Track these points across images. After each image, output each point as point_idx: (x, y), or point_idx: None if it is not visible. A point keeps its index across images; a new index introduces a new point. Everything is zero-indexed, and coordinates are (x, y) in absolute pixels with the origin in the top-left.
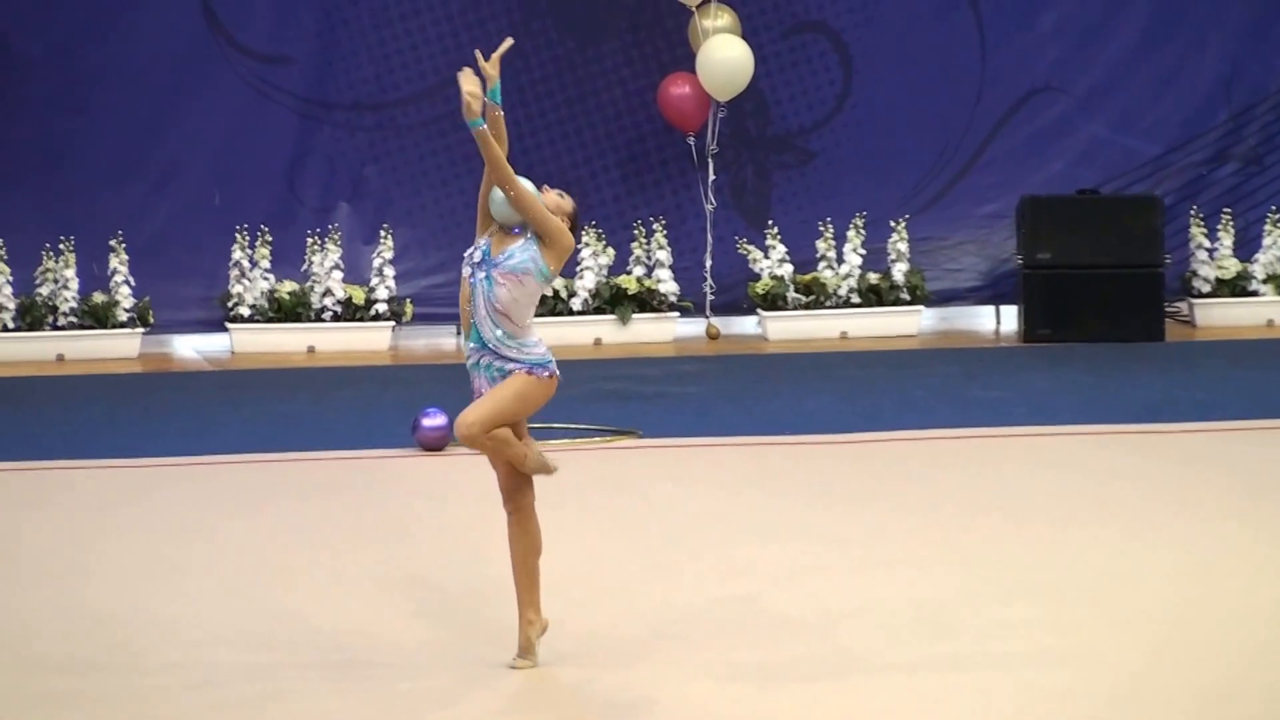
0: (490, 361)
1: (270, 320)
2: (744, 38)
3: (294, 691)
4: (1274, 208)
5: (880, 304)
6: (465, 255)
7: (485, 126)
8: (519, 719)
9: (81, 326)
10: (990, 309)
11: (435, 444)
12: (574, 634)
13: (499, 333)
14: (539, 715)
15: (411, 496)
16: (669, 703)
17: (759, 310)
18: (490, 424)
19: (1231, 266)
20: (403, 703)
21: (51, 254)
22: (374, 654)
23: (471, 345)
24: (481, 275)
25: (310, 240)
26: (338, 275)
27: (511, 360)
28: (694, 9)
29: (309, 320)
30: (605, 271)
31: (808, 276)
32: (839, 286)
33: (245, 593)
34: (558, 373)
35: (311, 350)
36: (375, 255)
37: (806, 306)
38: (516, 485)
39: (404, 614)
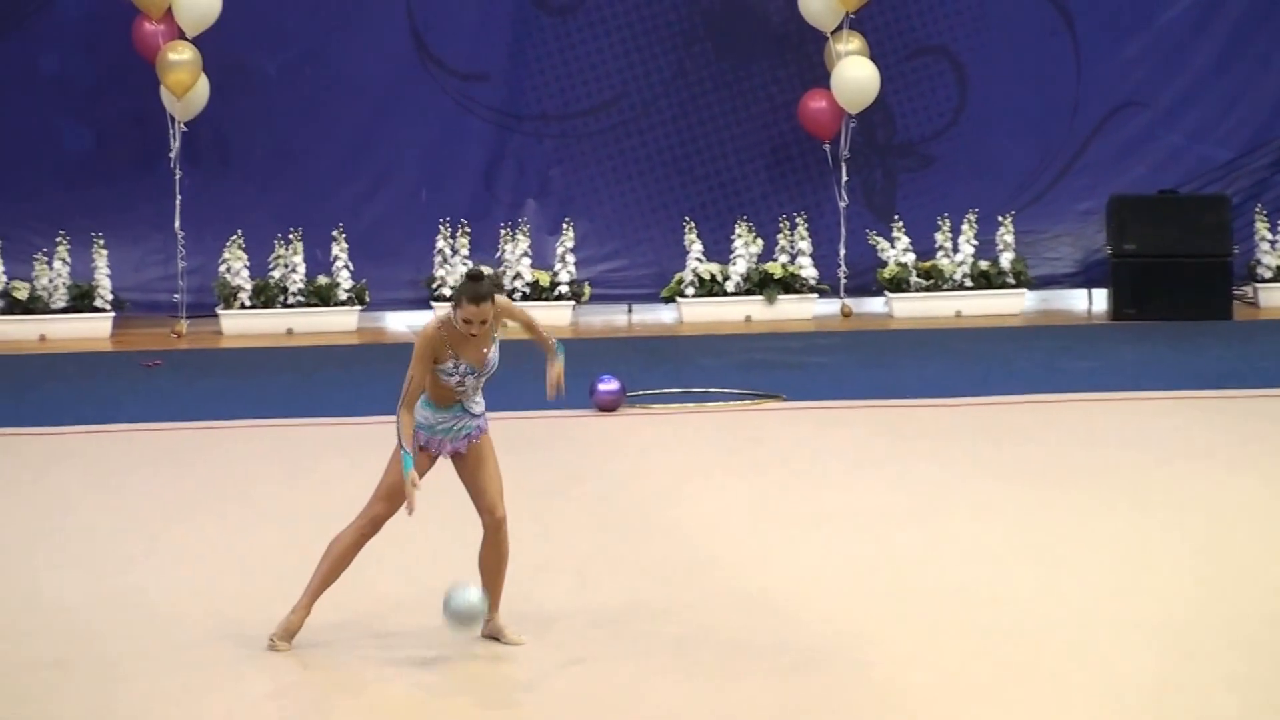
0: (463, 424)
1: None
2: (872, 59)
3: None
4: None
5: (989, 287)
6: (446, 373)
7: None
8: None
9: (308, 305)
10: (1083, 292)
11: (609, 405)
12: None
13: (476, 398)
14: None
15: (587, 450)
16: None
17: (886, 292)
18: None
19: None
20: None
21: (283, 242)
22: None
23: (450, 414)
24: (472, 379)
25: (503, 231)
26: (526, 261)
27: (471, 415)
28: (829, 34)
29: None
30: (755, 259)
31: (927, 263)
32: (954, 272)
33: (463, 540)
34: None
35: (504, 326)
36: (558, 244)
37: (926, 289)
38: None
39: (579, 556)
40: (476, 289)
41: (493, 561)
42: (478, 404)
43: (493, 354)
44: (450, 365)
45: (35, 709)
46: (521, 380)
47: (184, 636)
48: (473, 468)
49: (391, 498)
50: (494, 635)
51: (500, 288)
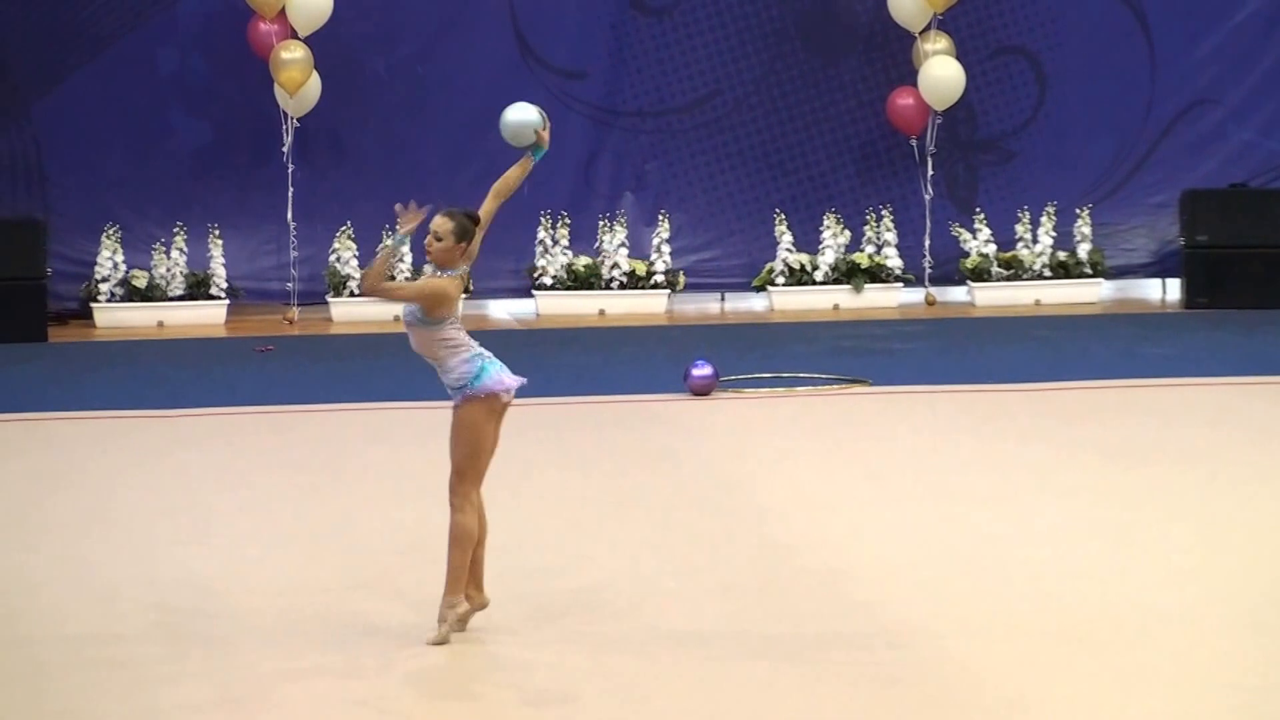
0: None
1: (568, 288)
2: (957, 58)
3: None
4: None
5: (1067, 277)
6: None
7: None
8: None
9: None
10: (1158, 281)
11: (702, 390)
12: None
13: (433, 363)
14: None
15: (682, 432)
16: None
17: (968, 281)
18: (460, 473)
19: None
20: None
21: (390, 233)
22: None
23: None
24: (407, 324)
25: (601, 223)
26: (624, 251)
27: (449, 388)
28: (916, 34)
29: (600, 288)
30: (843, 249)
31: (1008, 254)
32: (1034, 262)
33: (559, 515)
34: (493, 389)
35: (602, 313)
36: (654, 235)
37: (1007, 278)
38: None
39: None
40: (452, 209)
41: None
42: (441, 371)
43: (406, 308)
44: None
45: (189, 685)
46: (617, 364)
47: (305, 610)
48: None
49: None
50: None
51: (470, 233)
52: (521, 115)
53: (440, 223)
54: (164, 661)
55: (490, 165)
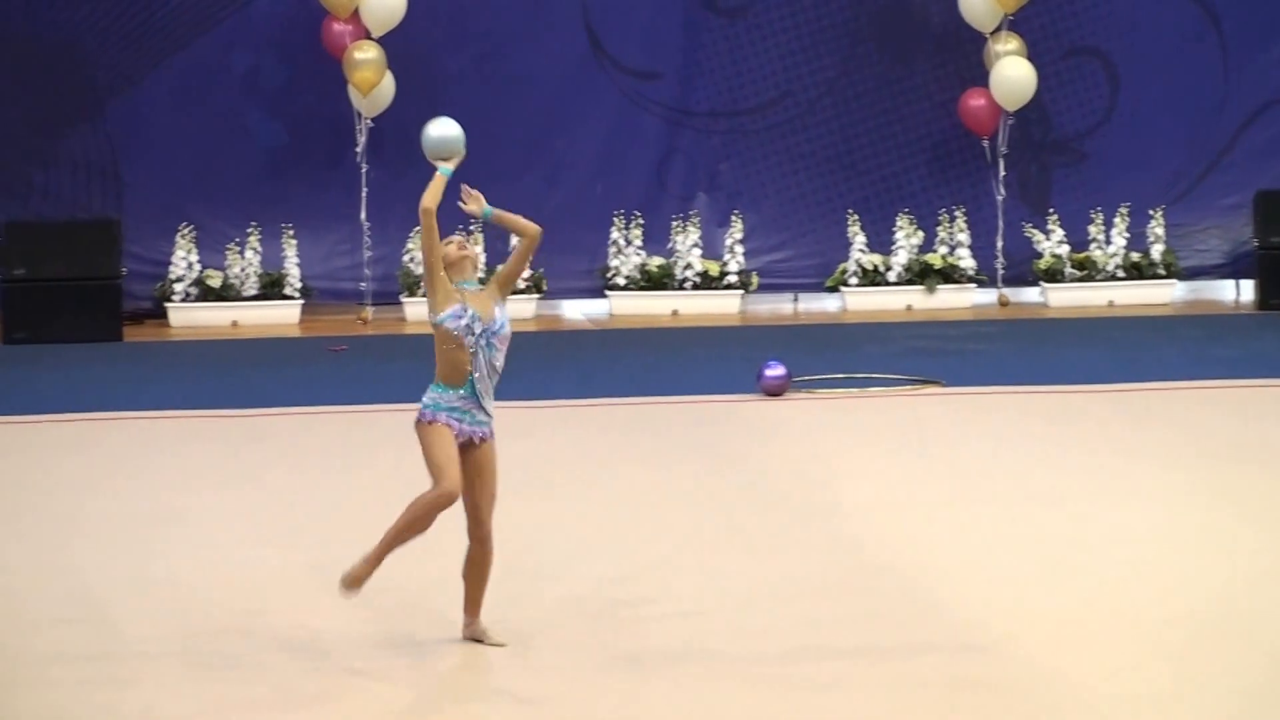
0: (473, 411)
1: (641, 288)
2: (1029, 59)
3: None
4: None
5: (1140, 278)
6: (453, 316)
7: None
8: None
9: None
10: (1231, 283)
11: (775, 390)
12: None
13: (490, 387)
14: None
15: (755, 433)
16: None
17: (1041, 282)
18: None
19: None
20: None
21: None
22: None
23: (461, 394)
24: (484, 343)
25: (674, 223)
26: (696, 252)
27: (485, 412)
28: (988, 35)
29: (673, 288)
30: (915, 250)
31: (1081, 255)
32: (1107, 263)
33: (632, 514)
34: None
35: (675, 313)
36: (727, 236)
37: (1080, 279)
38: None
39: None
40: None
41: (474, 571)
42: (490, 401)
43: (501, 314)
44: (457, 310)
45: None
46: (690, 365)
47: (391, 610)
48: (472, 473)
49: (446, 474)
50: (476, 638)
51: None
52: (444, 130)
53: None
54: (236, 664)
55: (562, 164)
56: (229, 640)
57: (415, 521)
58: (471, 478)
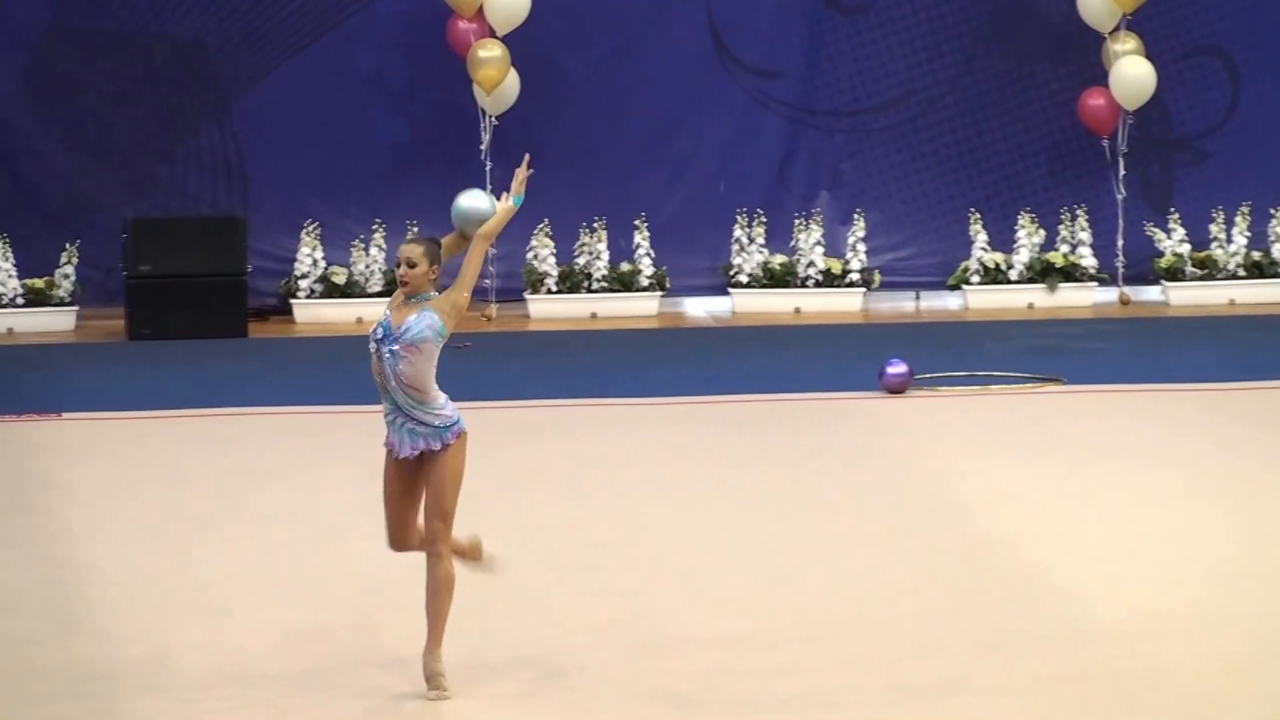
0: (404, 422)
1: (764, 286)
2: (1148, 58)
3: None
4: None
5: (1262, 277)
6: (375, 327)
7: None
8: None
9: (611, 290)
10: None
11: (898, 388)
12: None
13: (410, 400)
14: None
15: (878, 430)
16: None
17: (1162, 281)
18: (450, 518)
19: None
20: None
21: (588, 230)
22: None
23: (388, 405)
24: (386, 352)
25: (797, 221)
26: (819, 250)
27: (425, 424)
28: (1106, 34)
29: (795, 287)
30: (1037, 248)
31: (1202, 254)
32: (1228, 262)
33: (758, 512)
34: (466, 428)
35: (797, 311)
36: (849, 234)
37: (1201, 278)
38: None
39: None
40: (414, 236)
41: (429, 591)
42: (422, 410)
43: (414, 322)
44: (381, 316)
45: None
46: (812, 362)
47: (494, 604)
48: (425, 485)
49: (386, 520)
50: (426, 675)
51: (439, 258)
52: (473, 203)
53: (412, 249)
54: (369, 653)
55: (685, 163)
56: (360, 631)
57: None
58: (426, 491)
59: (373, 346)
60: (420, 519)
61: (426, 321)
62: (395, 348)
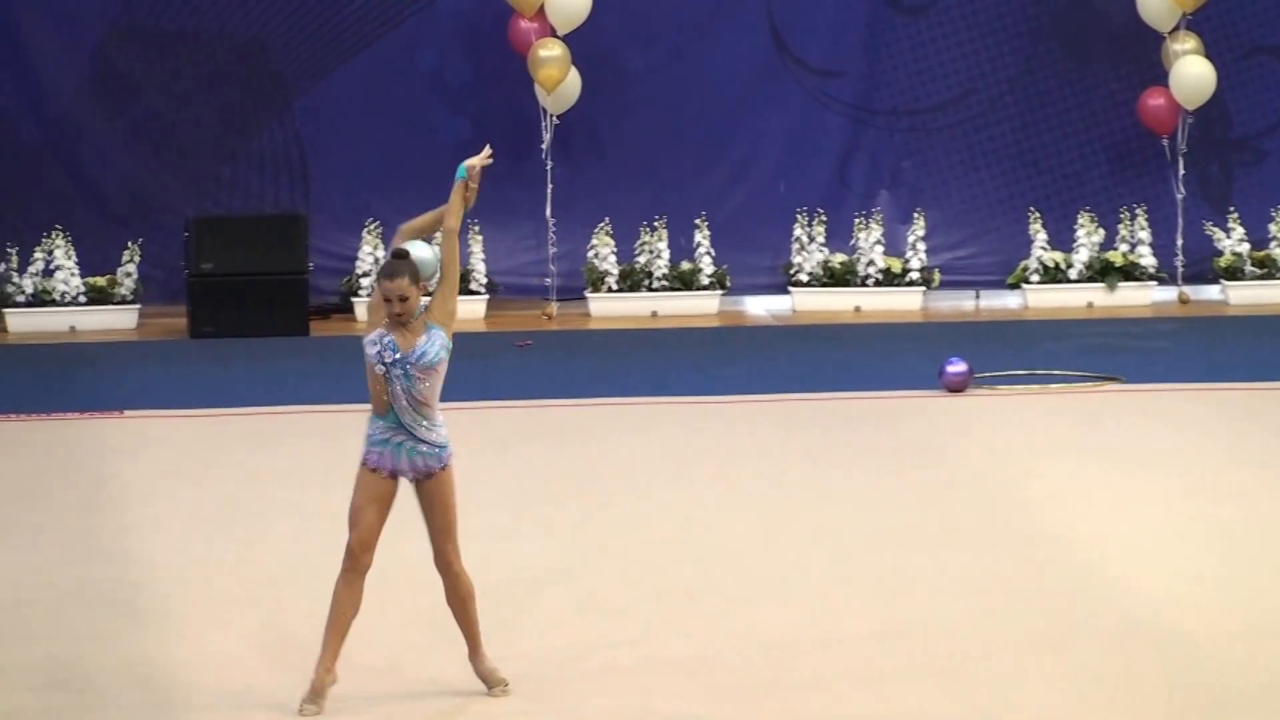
0: (404, 441)
1: (824, 285)
2: (1207, 58)
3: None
4: None
5: None
6: (370, 343)
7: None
8: None
9: (671, 289)
10: None
11: (957, 386)
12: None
13: (417, 418)
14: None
15: (938, 429)
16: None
17: (1221, 280)
18: (453, 532)
19: None
20: None
21: (648, 229)
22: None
23: (386, 424)
24: (398, 373)
25: (857, 220)
26: (879, 249)
27: (426, 443)
28: (1166, 34)
29: (855, 285)
30: (1096, 247)
31: (1261, 253)
32: None
33: (816, 511)
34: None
35: (858, 310)
36: (909, 233)
37: (1261, 277)
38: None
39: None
40: (390, 266)
41: (453, 606)
42: (425, 427)
43: (425, 344)
44: (376, 335)
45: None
46: (872, 360)
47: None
48: (426, 508)
49: (355, 524)
50: (481, 678)
51: (418, 273)
52: (419, 253)
53: (398, 285)
54: (429, 653)
55: (745, 162)
56: (420, 626)
57: (334, 603)
58: (427, 514)
59: (381, 370)
60: (436, 545)
61: (439, 342)
62: (410, 370)
